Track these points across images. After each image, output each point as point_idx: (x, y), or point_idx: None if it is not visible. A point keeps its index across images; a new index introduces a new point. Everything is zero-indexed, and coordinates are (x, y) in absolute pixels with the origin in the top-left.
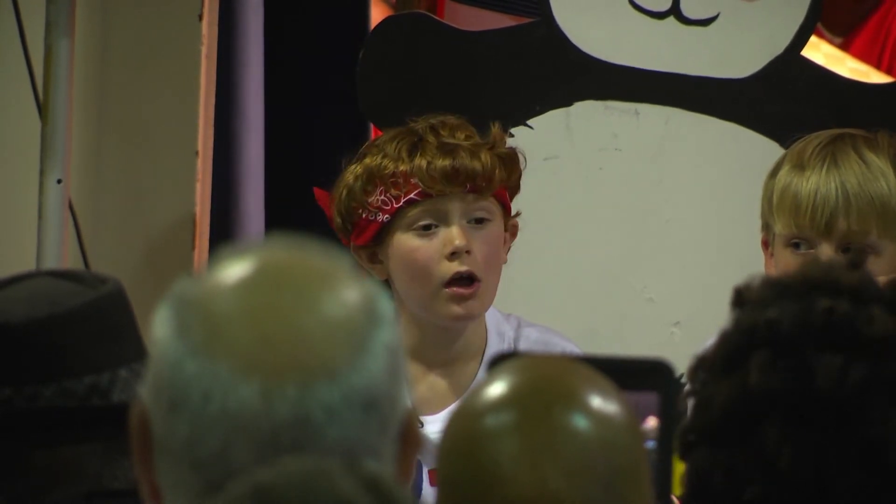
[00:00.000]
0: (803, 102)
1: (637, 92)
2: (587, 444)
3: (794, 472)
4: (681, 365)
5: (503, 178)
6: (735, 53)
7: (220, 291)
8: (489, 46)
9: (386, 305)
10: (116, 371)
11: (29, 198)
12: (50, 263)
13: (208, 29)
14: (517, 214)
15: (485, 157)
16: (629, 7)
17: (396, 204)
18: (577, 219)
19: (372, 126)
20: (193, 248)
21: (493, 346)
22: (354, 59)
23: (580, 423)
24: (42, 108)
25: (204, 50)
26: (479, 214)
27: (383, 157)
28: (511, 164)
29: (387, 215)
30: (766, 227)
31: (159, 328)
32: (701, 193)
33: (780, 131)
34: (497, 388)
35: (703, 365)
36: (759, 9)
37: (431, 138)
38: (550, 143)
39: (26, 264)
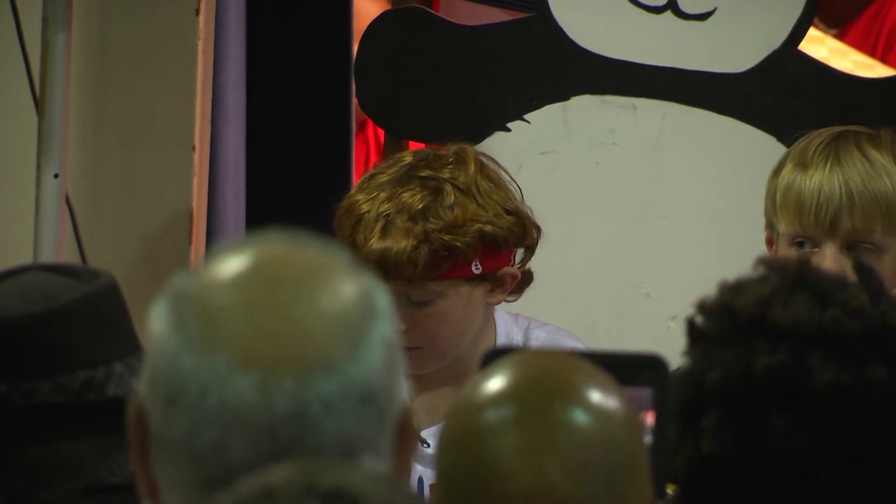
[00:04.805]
0: (801, 97)
1: (634, 86)
2: (587, 439)
3: None
4: (678, 360)
5: (450, 268)
6: (732, 48)
7: (217, 285)
8: (486, 41)
9: (383, 299)
10: (111, 366)
11: (26, 193)
12: (47, 258)
13: (205, 23)
14: (516, 277)
15: (416, 254)
16: (626, 2)
17: None
18: (574, 213)
19: (353, 122)
20: (190, 242)
21: None
22: (338, 52)
23: (580, 418)
24: (39, 104)
25: (200, 45)
26: (418, 299)
27: (346, 217)
28: (473, 248)
29: None
30: (770, 226)
31: (156, 323)
32: (698, 188)
33: (777, 126)
34: (496, 383)
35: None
36: (756, 3)
37: (376, 224)
38: (547, 137)
39: (23, 259)
